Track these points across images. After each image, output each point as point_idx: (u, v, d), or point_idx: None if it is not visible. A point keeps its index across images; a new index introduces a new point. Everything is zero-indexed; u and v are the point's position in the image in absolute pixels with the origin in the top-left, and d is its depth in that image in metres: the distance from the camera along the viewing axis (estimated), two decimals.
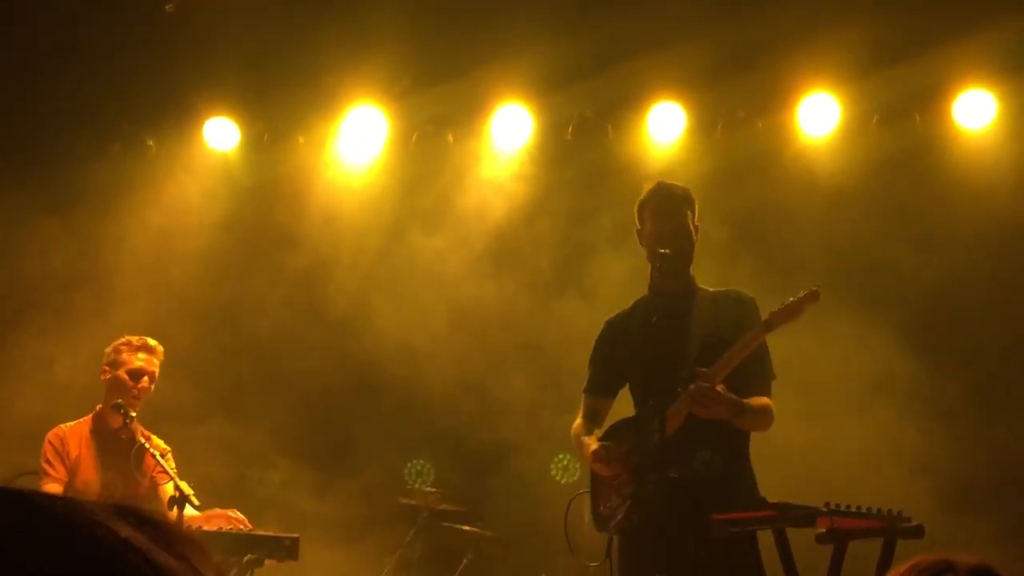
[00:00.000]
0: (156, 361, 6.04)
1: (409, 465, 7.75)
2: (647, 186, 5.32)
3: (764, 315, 5.01)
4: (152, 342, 6.08)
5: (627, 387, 5.33)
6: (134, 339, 6.07)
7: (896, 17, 7.16)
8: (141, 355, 6.01)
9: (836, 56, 7.29)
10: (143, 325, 7.17)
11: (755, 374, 5.01)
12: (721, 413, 4.83)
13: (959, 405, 7.10)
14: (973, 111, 7.41)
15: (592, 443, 5.13)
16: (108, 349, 6.09)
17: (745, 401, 4.88)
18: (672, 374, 4.98)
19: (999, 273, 7.34)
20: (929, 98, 7.49)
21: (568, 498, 5.29)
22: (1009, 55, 7.22)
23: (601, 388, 5.34)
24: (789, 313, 4.85)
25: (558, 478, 7.35)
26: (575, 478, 7.19)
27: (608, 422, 5.30)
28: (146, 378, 5.97)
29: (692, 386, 4.81)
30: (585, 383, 5.39)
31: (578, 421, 5.34)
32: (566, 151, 7.91)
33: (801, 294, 4.86)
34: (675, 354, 5.04)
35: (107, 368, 6.05)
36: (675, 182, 5.35)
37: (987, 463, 6.95)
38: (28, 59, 7.48)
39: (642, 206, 5.25)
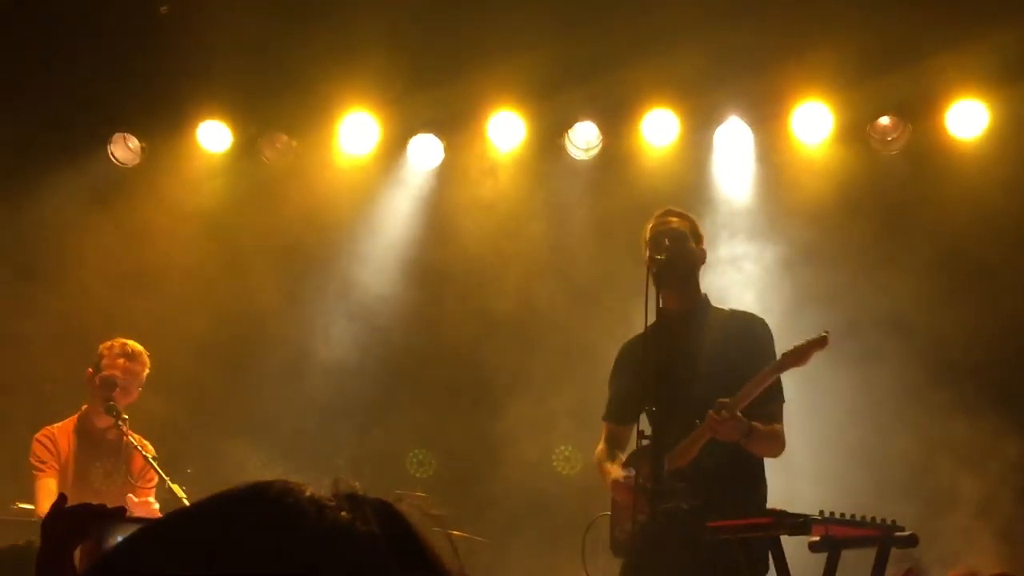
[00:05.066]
0: (137, 368, 6.00)
1: (412, 455, 7.73)
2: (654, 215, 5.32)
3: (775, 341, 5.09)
4: (134, 347, 6.05)
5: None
6: (116, 344, 6.05)
7: (890, 24, 7.17)
8: (120, 361, 5.98)
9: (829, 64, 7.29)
10: (136, 327, 7.20)
11: (766, 400, 5.01)
12: (734, 435, 4.87)
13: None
14: (965, 121, 7.38)
15: (613, 470, 5.15)
16: (99, 348, 6.09)
17: (756, 425, 4.90)
18: (685, 397, 4.97)
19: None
20: (922, 107, 7.48)
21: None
22: (1001, 65, 7.21)
23: (618, 415, 5.31)
24: (797, 357, 4.94)
25: (560, 469, 7.37)
26: (576, 470, 7.23)
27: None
28: (118, 388, 5.93)
29: (711, 413, 4.84)
30: (604, 408, 5.39)
31: (601, 447, 5.34)
32: (560, 156, 7.89)
33: (810, 338, 4.93)
34: (686, 377, 5.03)
35: (91, 369, 6.06)
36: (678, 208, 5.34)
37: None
38: (20, 62, 7.45)
39: (646, 232, 5.23)
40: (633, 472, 5.00)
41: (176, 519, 0.93)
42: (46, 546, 2.13)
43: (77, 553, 2.10)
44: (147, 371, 6.06)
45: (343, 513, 0.90)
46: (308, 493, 0.92)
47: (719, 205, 7.55)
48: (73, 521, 2.14)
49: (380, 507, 0.92)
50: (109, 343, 6.05)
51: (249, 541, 0.87)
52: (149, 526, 0.92)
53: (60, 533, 2.12)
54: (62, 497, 2.26)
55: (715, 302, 5.31)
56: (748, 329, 5.18)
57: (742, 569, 4.77)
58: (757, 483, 5.09)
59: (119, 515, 2.15)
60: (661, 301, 5.11)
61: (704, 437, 4.92)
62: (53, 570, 2.07)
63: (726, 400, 4.84)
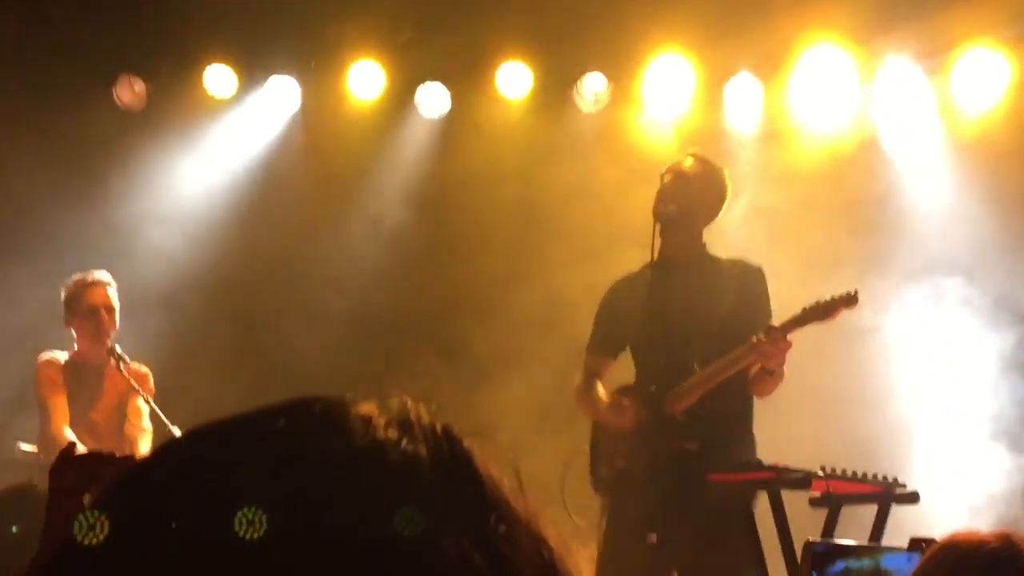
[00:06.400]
0: (109, 292, 6.04)
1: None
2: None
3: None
4: (98, 275, 6.07)
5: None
6: (79, 278, 6.07)
7: None
8: (91, 291, 6.01)
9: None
10: (143, 268, 7.21)
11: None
12: (780, 361, 4.88)
13: None
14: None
15: (607, 398, 5.18)
16: (62, 296, 6.09)
17: None
18: (682, 344, 4.98)
19: None
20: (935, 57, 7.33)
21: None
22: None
23: (604, 348, 5.35)
24: (824, 312, 4.86)
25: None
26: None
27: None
28: (102, 311, 5.97)
29: (761, 336, 4.82)
30: (588, 341, 5.39)
31: (580, 379, 5.34)
32: (569, 106, 7.81)
33: (838, 296, 4.85)
34: (685, 324, 5.03)
35: (66, 315, 6.08)
36: (707, 155, 5.33)
37: None
38: (21, 5, 7.39)
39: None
40: (631, 403, 5.03)
41: (206, 431, 0.84)
42: (54, 495, 2.11)
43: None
44: (117, 296, 6.10)
45: (390, 432, 0.82)
46: (361, 410, 0.83)
47: (729, 158, 7.47)
48: (82, 469, 2.12)
49: (435, 431, 0.83)
50: (71, 280, 6.07)
51: (278, 455, 0.79)
52: (183, 437, 0.85)
53: (68, 481, 2.11)
54: (71, 445, 2.25)
55: (714, 249, 5.30)
56: (744, 277, 5.19)
57: (745, 516, 4.81)
58: (750, 429, 5.13)
59: (129, 463, 2.13)
60: (660, 245, 5.14)
61: (705, 385, 4.92)
62: (62, 519, 2.06)
63: (776, 325, 4.85)
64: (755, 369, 4.97)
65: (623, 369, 5.42)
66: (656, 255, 5.17)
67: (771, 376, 4.95)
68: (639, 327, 5.16)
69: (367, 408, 0.84)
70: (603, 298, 5.41)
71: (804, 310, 4.90)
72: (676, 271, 5.10)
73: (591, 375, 5.32)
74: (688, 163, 5.20)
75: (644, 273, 5.27)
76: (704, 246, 5.24)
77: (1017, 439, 6.65)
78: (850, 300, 4.86)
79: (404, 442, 0.82)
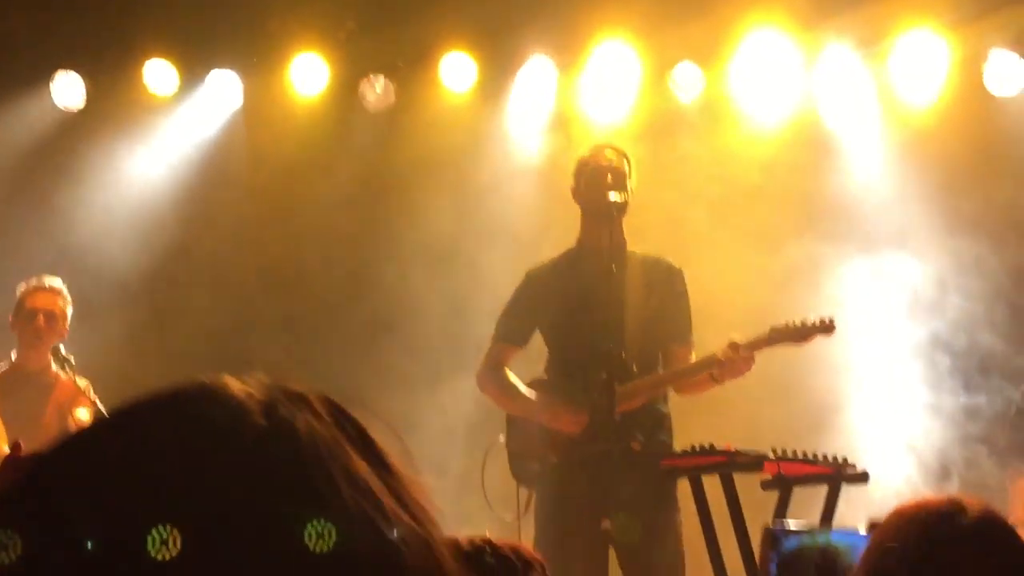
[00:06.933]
0: (55, 299, 6.00)
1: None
2: (590, 146, 5.33)
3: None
4: (49, 281, 6.05)
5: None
6: (32, 280, 6.06)
7: None
8: (34, 295, 5.99)
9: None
10: (85, 277, 7.10)
11: (685, 341, 5.13)
12: (740, 374, 4.93)
13: None
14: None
15: (538, 397, 5.15)
16: (17, 293, 6.09)
17: None
18: (609, 339, 4.94)
19: None
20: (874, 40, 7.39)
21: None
22: None
23: (515, 337, 5.32)
24: (797, 337, 4.85)
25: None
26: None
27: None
28: (41, 316, 5.93)
29: (728, 354, 4.83)
30: (496, 330, 5.33)
31: (485, 367, 5.31)
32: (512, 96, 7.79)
33: (814, 321, 4.83)
34: (610, 319, 4.99)
35: (11, 317, 6.07)
36: (616, 144, 5.37)
37: None
38: None
39: (584, 163, 5.22)
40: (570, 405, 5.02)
41: (105, 428, 0.85)
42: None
43: None
44: (69, 306, 6.04)
45: (296, 411, 0.82)
46: (240, 390, 0.82)
47: (674, 143, 7.49)
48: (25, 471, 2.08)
49: (330, 404, 0.85)
50: (23, 285, 6.06)
51: (191, 445, 0.79)
52: (75, 436, 0.86)
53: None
54: (16, 446, 2.21)
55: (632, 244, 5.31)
56: (668, 276, 5.21)
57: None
58: (671, 424, 5.17)
59: None
60: (584, 236, 5.14)
61: (649, 389, 4.93)
62: None
63: (740, 343, 4.84)
64: (702, 376, 4.98)
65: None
66: (578, 244, 5.20)
67: (714, 384, 4.99)
68: (563, 321, 5.15)
69: (254, 385, 0.84)
70: (517, 288, 5.33)
71: (774, 330, 4.88)
72: (600, 261, 5.03)
73: (497, 364, 5.26)
74: (610, 153, 5.19)
75: (562, 262, 5.26)
76: (625, 239, 5.21)
77: (948, 395, 6.78)
78: (827, 328, 4.83)
79: (304, 414, 0.82)
